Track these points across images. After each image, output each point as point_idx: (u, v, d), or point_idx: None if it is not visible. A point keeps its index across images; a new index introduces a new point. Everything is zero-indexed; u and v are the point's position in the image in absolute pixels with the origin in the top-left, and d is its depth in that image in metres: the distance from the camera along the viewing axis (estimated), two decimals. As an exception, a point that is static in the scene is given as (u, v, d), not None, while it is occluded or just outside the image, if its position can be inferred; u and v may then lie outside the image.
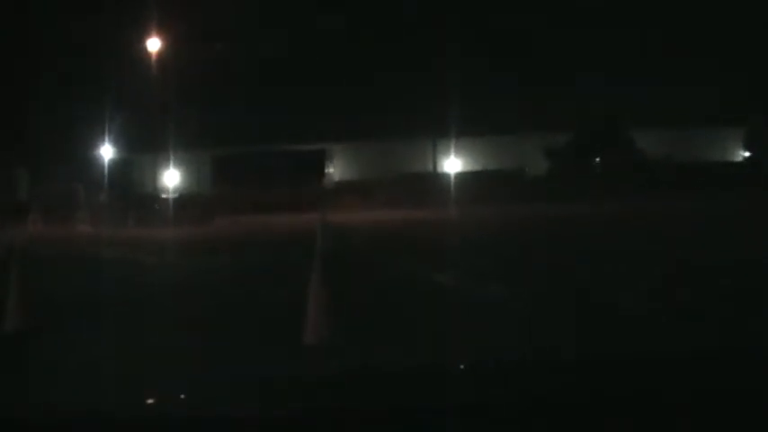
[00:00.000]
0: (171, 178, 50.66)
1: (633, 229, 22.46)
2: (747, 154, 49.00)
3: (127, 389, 4.20)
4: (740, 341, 7.59)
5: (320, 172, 50.89)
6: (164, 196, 44.06)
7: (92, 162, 47.04)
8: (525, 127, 47.49)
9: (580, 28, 46.88)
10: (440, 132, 49.01)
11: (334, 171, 52.27)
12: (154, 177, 51.29)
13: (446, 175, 49.00)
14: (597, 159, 47.83)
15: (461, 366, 4.11)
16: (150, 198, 43.68)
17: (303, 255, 9.35)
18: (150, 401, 3.51)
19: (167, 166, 50.96)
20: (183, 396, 3.46)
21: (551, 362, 4.10)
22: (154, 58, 43.29)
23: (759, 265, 12.64)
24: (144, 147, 49.29)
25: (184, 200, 42.41)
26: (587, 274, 13.68)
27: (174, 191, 47.69)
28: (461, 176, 48.15)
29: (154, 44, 43.29)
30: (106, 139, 46.85)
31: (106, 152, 47.23)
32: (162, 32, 44.33)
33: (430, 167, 51.86)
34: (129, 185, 47.03)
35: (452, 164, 50.83)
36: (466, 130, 47.76)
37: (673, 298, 10.98)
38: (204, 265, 18.68)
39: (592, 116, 47.04)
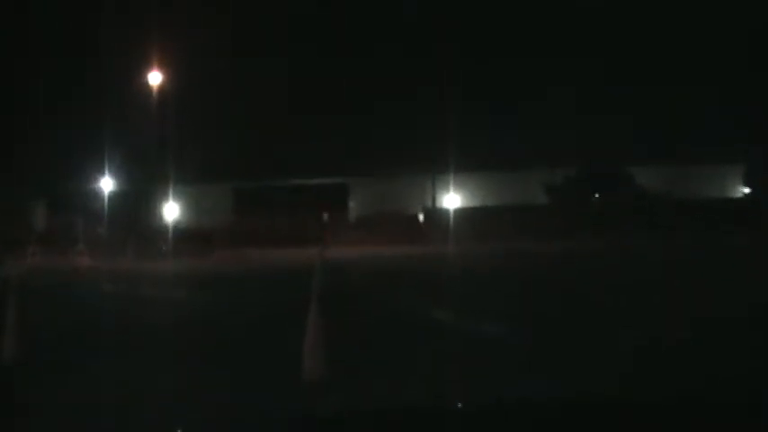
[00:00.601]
0: (171, 211, 50.68)
1: (628, 269, 22.35)
2: (747, 191, 49.07)
3: (123, 426, 4.19)
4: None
5: (343, 205, 51.20)
6: (163, 229, 44.06)
7: (92, 195, 47.08)
8: (526, 163, 47.58)
9: (581, 65, 47.07)
10: (439, 168, 49.14)
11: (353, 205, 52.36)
12: (154, 210, 51.31)
13: (445, 211, 49.02)
14: (597, 196, 47.85)
15: (458, 406, 4.10)
16: (150, 231, 43.68)
17: (300, 291, 9.31)
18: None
19: (167, 200, 51.03)
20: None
21: (544, 405, 4.08)
22: (155, 91, 43.43)
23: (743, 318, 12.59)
24: (145, 179, 49.39)
25: (184, 233, 42.41)
26: (575, 314, 13.69)
27: (175, 224, 47.72)
28: (460, 212, 48.19)
29: (155, 77, 43.47)
30: (106, 171, 46.90)
31: (106, 185, 47.26)
32: (170, 66, 44.59)
33: (429, 203, 51.86)
34: (129, 218, 47.00)
35: (452, 199, 50.85)
36: (465, 166, 47.86)
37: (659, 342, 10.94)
38: (198, 300, 18.57)
39: (592, 152, 47.13)
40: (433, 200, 51.76)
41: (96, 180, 47.44)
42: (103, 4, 46.39)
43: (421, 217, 50.01)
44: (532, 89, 47.27)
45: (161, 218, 50.13)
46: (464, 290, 17.39)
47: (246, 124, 48.08)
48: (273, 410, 7.70)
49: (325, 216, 48.76)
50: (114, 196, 47.80)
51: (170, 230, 43.51)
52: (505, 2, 48.94)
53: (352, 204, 52.69)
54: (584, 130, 45.38)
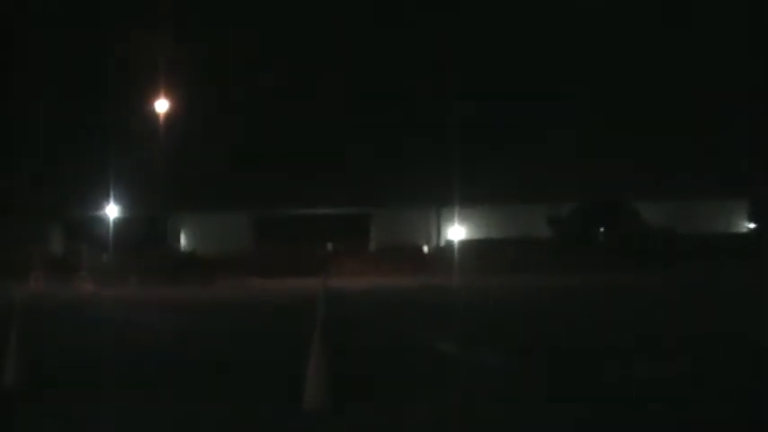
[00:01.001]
0: (177, 239, 50.85)
1: (626, 306, 22.24)
2: (752, 225, 49.06)
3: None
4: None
5: (365, 235, 51.32)
6: (166, 257, 44.11)
7: (97, 221, 47.15)
8: (529, 196, 47.67)
9: (586, 100, 47.30)
10: (443, 201, 49.33)
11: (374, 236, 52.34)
12: (159, 237, 51.39)
13: (449, 244, 49.12)
14: (601, 230, 47.81)
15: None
16: (152, 258, 43.71)
17: (299, 321, 9.32)
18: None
19: (173, 227, 51.24)
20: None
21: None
22: (162, 117, 43.56)
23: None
24: (151, 207, 49.55)
25: (187, 261, 42.48)
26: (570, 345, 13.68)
27: (178, 252, 47.82)
28: (464, 245, 48.25)
29: (162, 105, 43.61)
30: (112, 198, 46.97)
31: (111, 212, 47.32)
32: (182, 92, 44.94)
33: (433, 235, 51.92)
34: (132, 245, 47.04)
35: (456, 232, 50.90)
36: (469, 199, 48.02)
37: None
38: (197, 327, 18.50)
39: (596, 186, 47.17)
40: (438, 232, 51.84)
41: (102, 207, 47.49)
42: (115, 37, 46.83)
43: (425, 249, 50.09)
44: (537, 123, 47.48)
45: (166, 245, 50.20)
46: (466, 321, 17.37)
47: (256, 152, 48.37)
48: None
49: (330, 245, 48.75)
50: (119, 223, 47.83)
51: (173, 258, 43.62)
52: (511, 37, 49.23)
53: (372, 234, 52.60)
54: (588, 164, 45.52)
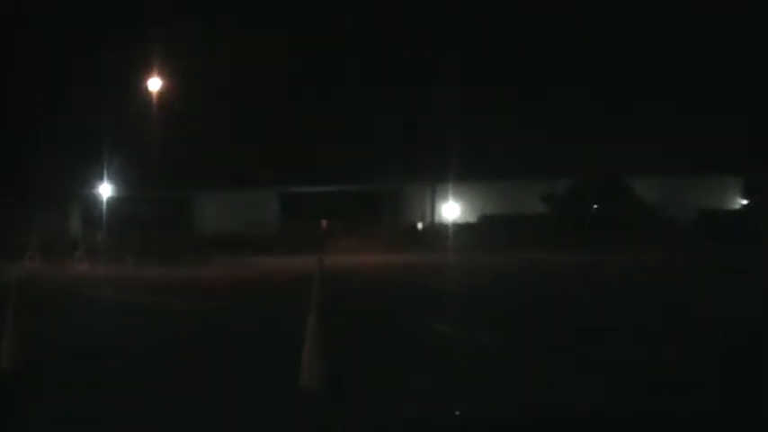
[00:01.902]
0: (174, 218, 50.88)
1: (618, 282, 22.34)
2: (745, 202, 49.11)
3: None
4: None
5: (385, 213, 51.23)
6: (162, 236, 44.06)
7: (91, 200, 47.08)
8: (524, 172, 47.63)
9: (582, 76, 47.21)
10: (439, 178, 49.30)
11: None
12: (156, 217, 51.35)
13: (444, 222, 49.27)
14: (595, 206, 47.86)
15: (455, 417, 4.09)
16: (147, 238, 43.70)
17: (296, 301, 9.32)
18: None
19: (169, 206, 51.29)
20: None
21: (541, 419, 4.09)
22: (155, 95, 43.29)
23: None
24: (143, 185, 49.44)
25: (183, 241, 42.46)
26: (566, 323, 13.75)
27: (175, 231, 47.78)
28: (459, 222, 48.38)
29: (156, 83, 43.34)
30: (105, 177, 46.87)
31: (105, 190, 47.24)
32: (185, 69, 44.78)
33: (428, 212, 51.94)
34: (128, 225, 46.97)
35: (451, 209, 50.96)
36: (464, 175, 48.02)
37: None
38: (193, 307, 18.50)
39: (591, 163, 47.15)
40: (432, 210, 51.87)
41: (97, 186, 47.42)
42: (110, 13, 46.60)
43: (419, 226, 50.20)
44: (532, 99, 47.41)
45: (164, 224, 50.16)
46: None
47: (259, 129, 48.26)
48: (271, 421, 7.70)
49: (324, 223, 48.72)
50: (114, 202, 47.77)
51: (169, 238, 43.59)
52: (505, 12, 49.07)
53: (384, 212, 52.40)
54: (583, 141, 45.48)
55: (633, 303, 16.57)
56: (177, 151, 45.87)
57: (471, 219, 49.65)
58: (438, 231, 46.86)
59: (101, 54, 45.95)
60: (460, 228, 46.94)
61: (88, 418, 7.85)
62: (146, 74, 42.99)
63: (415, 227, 49.83)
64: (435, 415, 4.29)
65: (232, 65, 47.43)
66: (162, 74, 42.97)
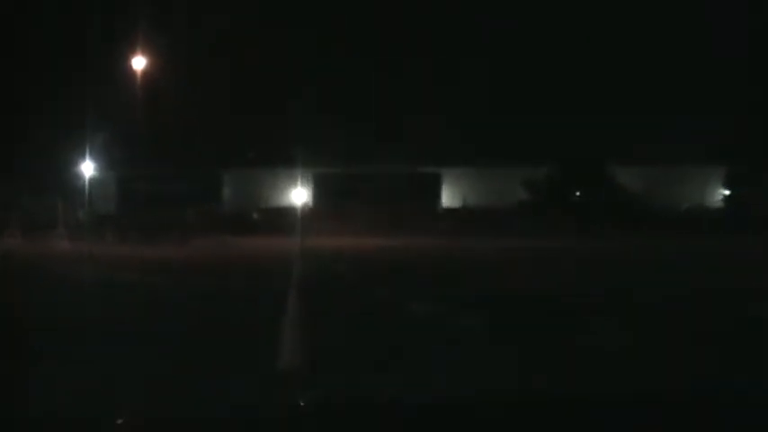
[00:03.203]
0: (154, 197, 50.59)
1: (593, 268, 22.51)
2: (727, 193, 49.39)
3: (98, 408, 4.21)
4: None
5: (435, 195, 51.05)
6: (143, 216, 43.91)
7: (73, 178, 46.75)
8: (507, 159, 47.68)
9: (567, 63, 47.24)
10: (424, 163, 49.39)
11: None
12: (138, 195, 51.07)
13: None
14: (577, 194, 48.00)
15: (437, 397, 4.15)
16: (129, 216, 43.59)
17: (269, 280, 9.36)
18: (120, 421, 3.53)
19: (151, 185, 51.00)
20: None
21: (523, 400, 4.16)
22: (139, 74, 42.89)
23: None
24: (127, 164, 49.19)
25: (163, 221, 42.29)
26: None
27: (154, 212, 47.58)
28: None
29: (140, 62, 42.94)
30: (88, 155, 46.52)
31: (87, 169, 46.90)
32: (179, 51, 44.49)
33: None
34: (110, 203, 46.79)
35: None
36: (449, 162, 48.19)
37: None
38: (171, 284, 18.49)
39: (574, 150, 47.23)
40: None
41: (79, 164, 47.05)
42: None
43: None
44: (517, 87, 47.42)
45: (143, 204, 49.95)
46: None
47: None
48: (250, 400, 7.72)
49: (302, 204, 48.59)
50: (96, 180, 47.43)
51: (149, 217, 43.48)
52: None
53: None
54: (567, 129, 45.57)
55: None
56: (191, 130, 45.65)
57: (455, 204, 49.93)
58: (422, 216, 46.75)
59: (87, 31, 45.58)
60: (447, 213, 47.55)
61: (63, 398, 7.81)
62: (132, 51, 42.65)
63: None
64: (417, 395, 4.33)
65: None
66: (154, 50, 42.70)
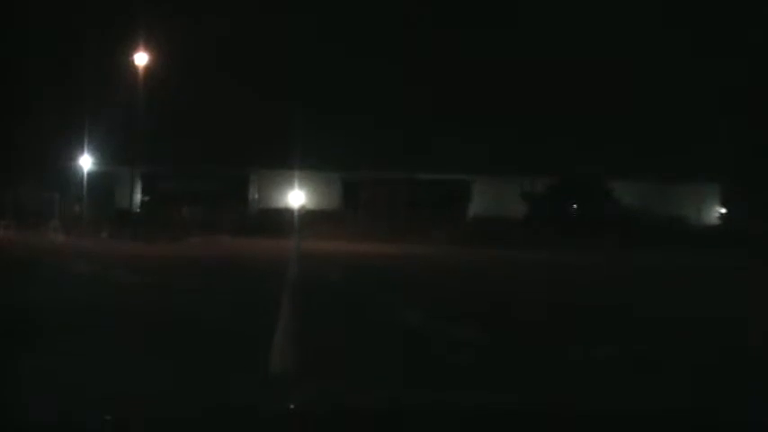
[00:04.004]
0: (152, 196, 50.73)
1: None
2: (723, 211, 49.53)
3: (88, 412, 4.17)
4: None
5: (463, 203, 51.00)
6: (139, 212, 43.96)
7: (71, 172, 46.72)
8: (507, 170, 47.81)
9: (569, 77, 47.31)
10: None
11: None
12: (161, 193, 51.12)
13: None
14: (574, 206, 48.08)
15: (426, 405, 4.14)
16: (126, 213, 43.59)
17: (261, 281, 9.32)
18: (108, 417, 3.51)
19: (153, 183, 51.11)
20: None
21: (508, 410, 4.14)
22: (140, 71, 42.80)
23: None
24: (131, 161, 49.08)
25: (161, 218, 42.35)
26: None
27: (152, 208, 47.62)
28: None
29: (141, 58, 42.86)
30: (86, 150, 46.48)
31: (85, 163, 46.88)
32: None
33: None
34: (107, 199, 46.82)
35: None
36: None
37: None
38: (165, 283, 18.43)
39: (573, 164, 47.33)
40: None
41: (77, 159, 46.99)
42: None
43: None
44: (517, 100, 47.47)
45: (142, 201, 49.97)
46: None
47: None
48: (240, 402, 7.66)
49: (299, 207, 48.63)
50: (93, 176, 47.33)
51: (147, 215, 43.56)
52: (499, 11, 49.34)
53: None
54: (567, 142, 45.67)
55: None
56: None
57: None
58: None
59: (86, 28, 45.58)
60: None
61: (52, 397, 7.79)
62: (133, 47, 42.56)
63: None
64: (406, 402, 4.31)
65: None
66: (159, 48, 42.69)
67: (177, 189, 50.58)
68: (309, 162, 47.08)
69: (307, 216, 44.82)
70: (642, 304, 16.57)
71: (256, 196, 52.59)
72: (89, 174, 46.54)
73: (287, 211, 46.77)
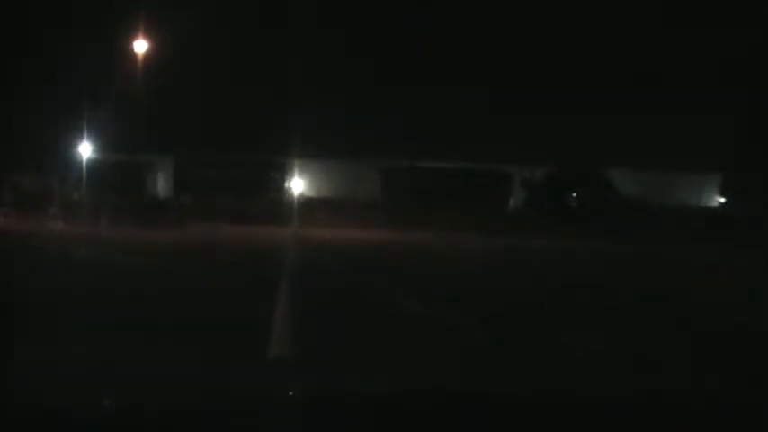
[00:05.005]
0: (153, 182, 50.60)
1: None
2: (722, 200, 49.48)
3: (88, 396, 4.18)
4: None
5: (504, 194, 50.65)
6: (142, 200, 43.93)
7: (71, 159, 46.63)
8: (507, 158, 47.71)
9: (565, 67, 47.21)
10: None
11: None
12: (137, 180, 50.89)
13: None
14: (573, 195, 48.03)
15: (422, 390, 4.15)
16: (126, 200, 43.51)
17: (254, 267, 9.33)
18: (106, 401, 3.52)
19: (152, 170, 50.95)
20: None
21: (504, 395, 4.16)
22: (141, 57, 42.66)
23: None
24: (128, 148, 48.90)
25: (160, 205, 42.32)
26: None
27: (153, 196, 47.55)
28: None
29: (141, 45, 42.72)
30: (85, 137, 46.39)
31: (85, 151, 46.79)
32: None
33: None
34: (107, 186, 46.69)
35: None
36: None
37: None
38: (164, 269, 18.44)
39: (572, 151, 47.25)
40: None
41: (76, 146, 46.89)
42: None
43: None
44: (515, 88, 47.38)
45: (140, 188, 49.85)
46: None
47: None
48: (237, 387, 7.68)
49: (294, 195, 48.48)
50: (93, 163, 47.22)
51: (147, 202, 43.53)
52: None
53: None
54: (565, 131, 45.58)
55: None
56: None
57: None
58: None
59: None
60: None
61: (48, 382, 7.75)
62: (134, 33, 42.43)
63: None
64: (406, 387, 4.32)
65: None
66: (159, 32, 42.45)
67: (203, 177, 50.15)
68: (344, 150, 47.07)
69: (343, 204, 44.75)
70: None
71: (288, 184, 52.01)
72: (89, 161, 46.46)
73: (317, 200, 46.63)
